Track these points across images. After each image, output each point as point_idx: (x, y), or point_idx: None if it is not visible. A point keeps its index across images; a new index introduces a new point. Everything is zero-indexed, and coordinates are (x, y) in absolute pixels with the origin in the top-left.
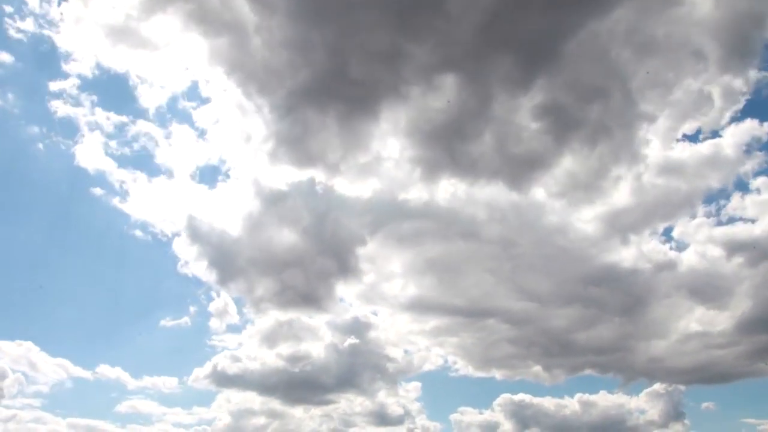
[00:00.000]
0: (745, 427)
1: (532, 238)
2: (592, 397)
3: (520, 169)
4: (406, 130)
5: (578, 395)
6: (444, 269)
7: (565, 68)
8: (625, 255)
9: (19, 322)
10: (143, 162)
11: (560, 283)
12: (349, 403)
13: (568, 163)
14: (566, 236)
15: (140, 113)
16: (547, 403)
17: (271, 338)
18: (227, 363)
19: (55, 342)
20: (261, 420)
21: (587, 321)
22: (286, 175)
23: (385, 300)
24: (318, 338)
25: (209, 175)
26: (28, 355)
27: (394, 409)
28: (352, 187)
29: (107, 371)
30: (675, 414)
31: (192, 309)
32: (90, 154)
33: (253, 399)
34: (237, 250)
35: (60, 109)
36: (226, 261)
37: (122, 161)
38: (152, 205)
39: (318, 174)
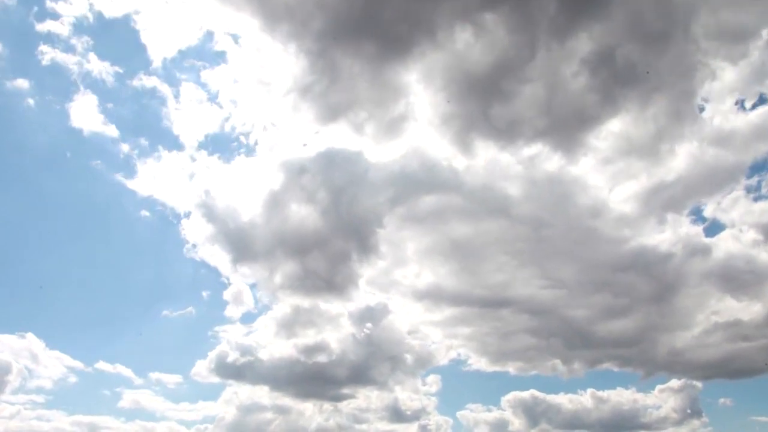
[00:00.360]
0: (758, 425)
1: (565, 217)
2: (607, 393)
3: (563, 129)
4: (440, 82)
5: (591, 390)
6: (467, 252)
7: (616, 11)
8: (660, 238)
9: (18, 315)
10: (148, 127)
11: (588, 269)
12: (366, 398)
13: (617, 125)
14: (602, 215)
15: (143, 64)
16: (560, 399)
17: (285, 328)
18: (237, 355)
19: (57, 335)
20: (267, 415)
21: (611, 311)
22: (309, 135)
23: (402, 287)
24: (333, 328)
25: (223, 144)
26: (31, 348)
27: (409, 405)
28: (378, 148)
29: (111, 365)
30: (691, 410)
31: (202, 296)
32: (86, 114)
33: (262, 393)
34: (251, 231)
35: (48, 55)
36: (240, 243)
37: (123, 125)
38: (160, 179)
39: (342, 130)
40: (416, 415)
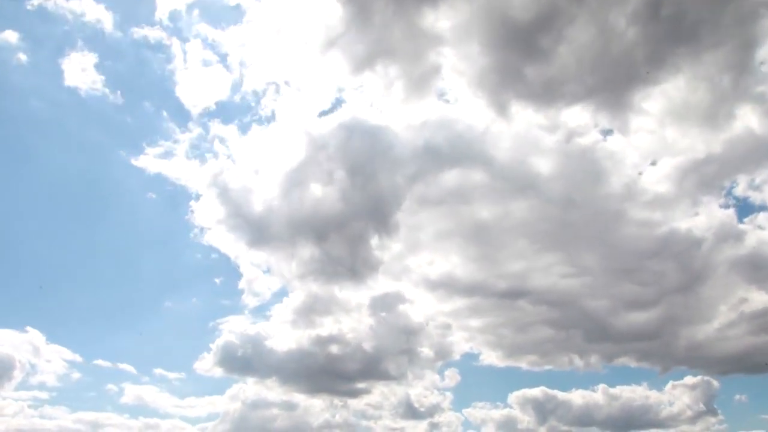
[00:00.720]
0: None
1: (596, 197)
2: (620, 390)
3: (608, 90)
4: (477, 32)
5: (603, 387)
6: (487, 237)
7: None
8: (692, 222)
9: (17, 309)
10: (151, 89)
11: (613, 256)
12: (381, 393)
13: (670, 88)
14: (636, 196)
15: (146, 14)
16: (571, 396)
17: (299, 318)
18: (247, 348)
19: (58, 329)
20: (275, 411)
21: (634, 301)
22: (331, 97)
23: (415, 275)
24: (348, 317)
25: (237, 113)
26: (32, 343)
27: (422, 401)
28: (406, 109)
29: (114, 360)
30: (706, 407)
31: (211, 285)
32: (83, 74)
33: (273, 386)
34: (266, 213)
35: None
36: (254, 227)
37: (126, 89)
38: (168, 156)
39: (371, 85)
40: (429, 412)
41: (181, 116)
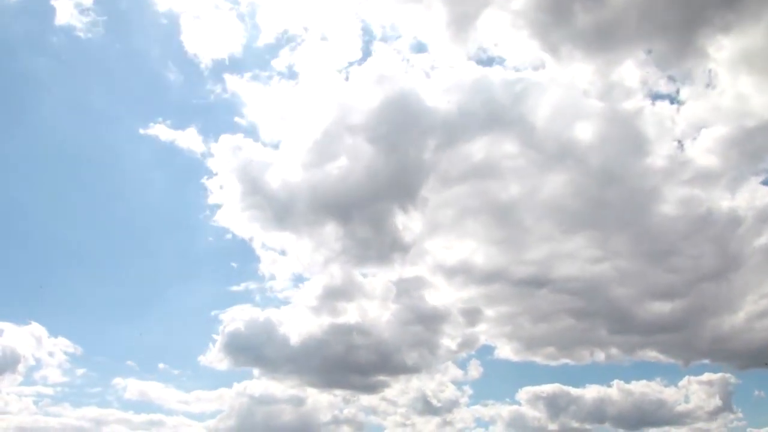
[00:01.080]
0: None
1: (639, 171)
2: (635, 385)
3: (670, 39)
4: None
5: (619, 382)
6: (512, 216)
7: None
8: (734, 202)
9: (18, 303)
10: (158, 34)
11: (649, 237)
12: (396, 389)
13: (744, 36)
14: (680, 167)
15: None
16: (584, 391)
17: (318, 305)
18: (260, 338)
19: (64, 323)
20: (284, 406)
21: (662, 289)
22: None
23: (434, 260)
24: (369, 305)
25: (254, 66)
26: (37, 338)
27: (435, 396)
28: (445, 54)
29: (116, 355)
30: (724, 403)
31: (227, 269)
32: (77, 12)
33: (284, 378)
34: (285, 192)
35: None
36: (273, 206)
37: (129, 33)
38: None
39: (414, 16)
40: (446, 408)
41: (191, 74)
